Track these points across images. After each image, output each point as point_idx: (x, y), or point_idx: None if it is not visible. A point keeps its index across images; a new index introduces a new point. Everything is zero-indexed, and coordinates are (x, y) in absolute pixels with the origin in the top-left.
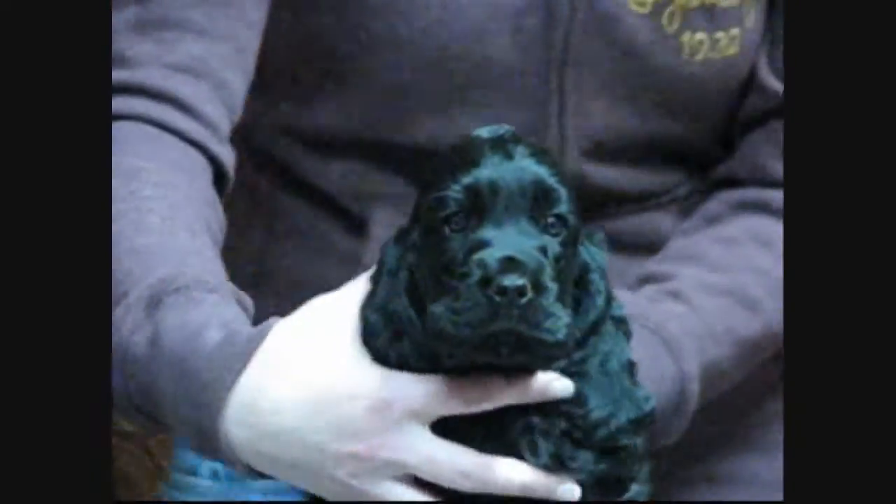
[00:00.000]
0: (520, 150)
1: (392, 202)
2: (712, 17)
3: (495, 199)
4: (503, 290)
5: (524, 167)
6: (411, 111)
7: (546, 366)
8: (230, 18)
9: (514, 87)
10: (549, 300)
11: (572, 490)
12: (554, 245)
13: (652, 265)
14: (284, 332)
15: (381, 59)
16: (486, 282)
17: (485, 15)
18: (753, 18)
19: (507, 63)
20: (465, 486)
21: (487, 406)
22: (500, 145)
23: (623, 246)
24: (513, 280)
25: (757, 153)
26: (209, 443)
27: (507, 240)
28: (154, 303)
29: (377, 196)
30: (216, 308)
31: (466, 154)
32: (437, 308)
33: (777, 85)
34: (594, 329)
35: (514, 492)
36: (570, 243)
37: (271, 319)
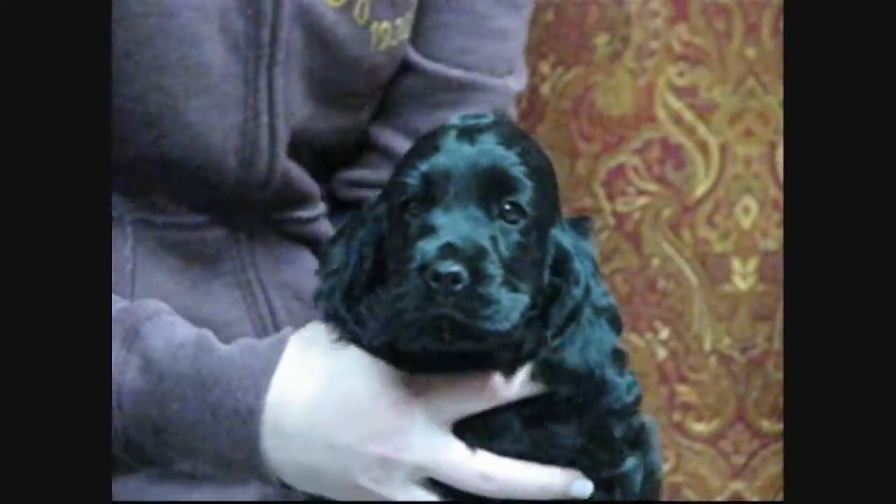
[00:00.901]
0: (486, 138)
1: (123, 224)
2: (394, 4)
3: (447, 185)
4: (438, 277)
5: (482, 154)
6: (133, 126)
7: (497, 352)
8: None
9: (227, 91)
10: (491, 288)
11: (585, 485)
12: (511, 233)
13: None
14: (303, 339)
15: (116, 72)
16: (423, 268)
17: (197, 18)
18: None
19: (220, 67)
20: (488, 489)
21: (501, 401)
22: (468, 132)
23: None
24: (447, 266)
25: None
26: (242, 456)
27: (453, 226)
28: (130, 336)
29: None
30: (193, 328)
31: (432, 140)
32: (384, 293)
33: (431, 65)
34: (572, 317)
35: (535, 494)
36: (532, 231)
37: (285, 329)
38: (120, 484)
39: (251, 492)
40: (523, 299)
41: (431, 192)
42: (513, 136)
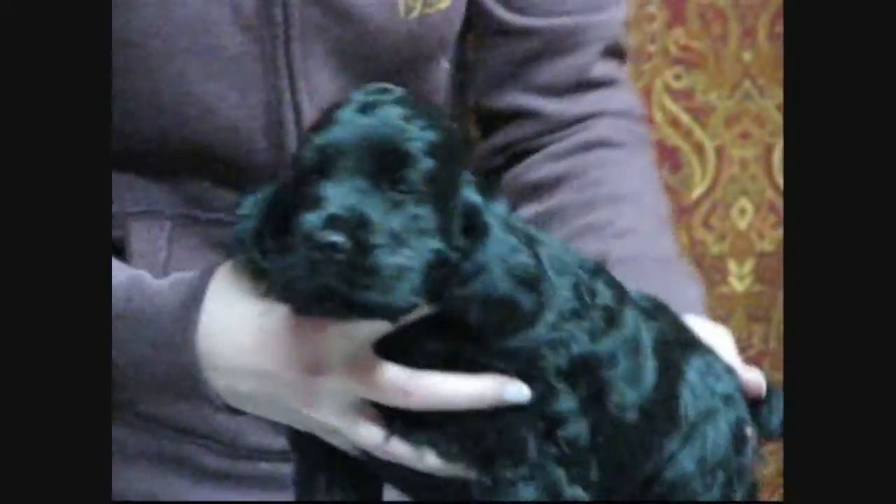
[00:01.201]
0: (386, 111)
1: (148, 217)
2: None
3: (338, 158)
4: (320, 247)
5: (377, 127)
6: (154, 116)
7: (390, 320)
8: None
9: (244, 72)
10: (374, 258)
11: (521, 389)
12: (403, 204)
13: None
14: (231, 269)
15: (117, 61)
16: (307, 238)
17: (205, 3)
18: None
19: (234, 49)
20: (412, 403)
21: (414, 317)
22: (368, 105)
23: None
24: (327, 237)
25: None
26: (188, 386)
27: (340, 198)
28: None
29: (133, 214)
30: (127, 270)
31: (331, 113)
32: (275, 262)
33: (534, 21)
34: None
35: (464, 404)
36: (429, 203)
37: (211, 263)
38: (120, 478)
39: (254, 492)
40: (413, 270)
41: (324, 165)
42: (417, 110)
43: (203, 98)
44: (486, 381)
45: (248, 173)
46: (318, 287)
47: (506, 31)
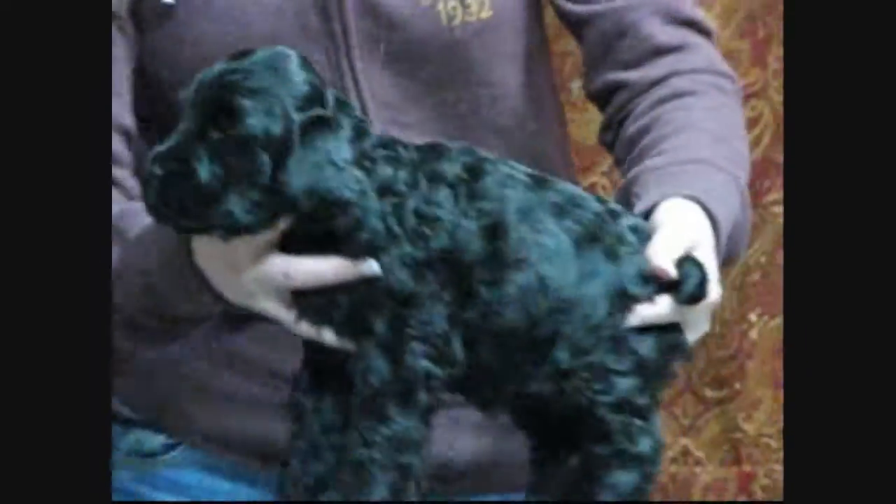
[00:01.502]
0: (231, 65)
1: None
2: None
3: (182, 110)
4: (146, 178)
5: (210, 79)
6: None
7: (226, 232)
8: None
9: None
10: (192, 182)
11: (370, 265)
12: (225, 143)
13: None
14: None
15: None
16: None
17: (275, 22)
18: None
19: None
20: (293, 282)
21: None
22: (215, 70)
23: None
24: (148, 169)
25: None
26: (188, 276)
27: (170, 141)
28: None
29: None
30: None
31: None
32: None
33: (597, 7)
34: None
35: (330, 278)
36: (249, 143)
37: None
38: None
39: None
40: (223, 192)
41: (178, 116)
42: (253, 65)
43: None
44: (346, 261)
45: None
46: (151, 207)
47: (578, 21)
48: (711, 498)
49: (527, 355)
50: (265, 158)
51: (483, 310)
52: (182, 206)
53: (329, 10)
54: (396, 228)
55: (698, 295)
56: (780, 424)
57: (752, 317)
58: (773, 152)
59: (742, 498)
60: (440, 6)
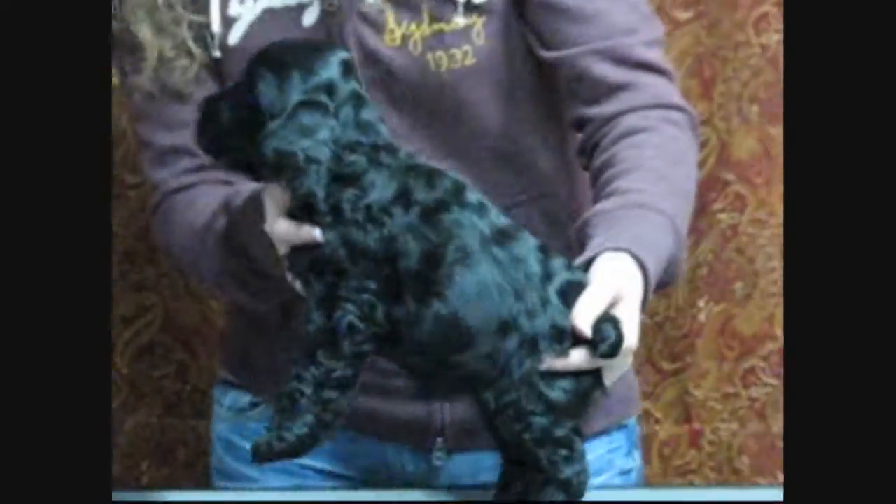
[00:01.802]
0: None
1: None
2: (443, 41)
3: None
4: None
5: (263, 49)
6: None
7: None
8: None
9: None
10: (216, 124)
11: (310, 232)
12: (239, 99)
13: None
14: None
15: None
16: None
17: None
18: (485, 36)
19: None
20: (278, 242)
21: None
22: None
23: None
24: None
25: (593, 106)
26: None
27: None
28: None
29: None
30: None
31: None
32: None
33: (560, 53)
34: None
35: (290, 241)
36: (251, 104)
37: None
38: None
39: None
40: (239, 140)
41: None
42: (298, 48)
43: None
44: (296, 226)
45: None
46: (195, 141)
47: (548, 65)
48: (668, 450)
49: (442, 365)
50: (263, 119)
51: (408, 314)
52: (209, 142)
53: None
54: (348, 214)
55: (611, 354)
56: (724, 391)
57: (701, 303)
58: (717, 171)
59: (692, 450)
60: (429, 56)
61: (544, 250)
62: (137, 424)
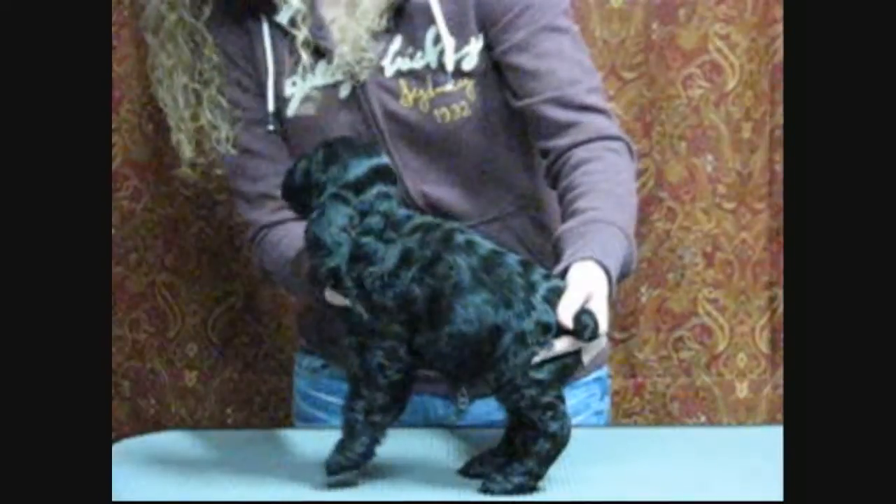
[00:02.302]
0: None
1: None
2: (445, 99)
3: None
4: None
5: (321, 148)
6: None
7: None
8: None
9: None
10: (288, 183)
11: (341, 299)
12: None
13: (573, 206)
14: None
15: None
16: None
17: (339, 130)
18: (475, 93)
19: None
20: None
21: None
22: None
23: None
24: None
25: (561, 140)
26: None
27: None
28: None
29: None
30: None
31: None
32: None
33: (525, 101)
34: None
35: (329, 301)
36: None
37: None
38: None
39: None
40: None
41: None
42: (341, 155)
43: None
44: (334, 293)
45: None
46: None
47: (518, 109)
48: (617, 398)
49: (463, 369)
50: (313, 190)
51: (427, 340)
52: (285, 197)
53: (369, 121)
54: (368, 285)
55: (591, 338)
56: (660, 354)
57: (643, 289)
58: (655, 191)
59: (636, 398)
60: (435, 112)
61: (524, 265)
62: (223, 380)
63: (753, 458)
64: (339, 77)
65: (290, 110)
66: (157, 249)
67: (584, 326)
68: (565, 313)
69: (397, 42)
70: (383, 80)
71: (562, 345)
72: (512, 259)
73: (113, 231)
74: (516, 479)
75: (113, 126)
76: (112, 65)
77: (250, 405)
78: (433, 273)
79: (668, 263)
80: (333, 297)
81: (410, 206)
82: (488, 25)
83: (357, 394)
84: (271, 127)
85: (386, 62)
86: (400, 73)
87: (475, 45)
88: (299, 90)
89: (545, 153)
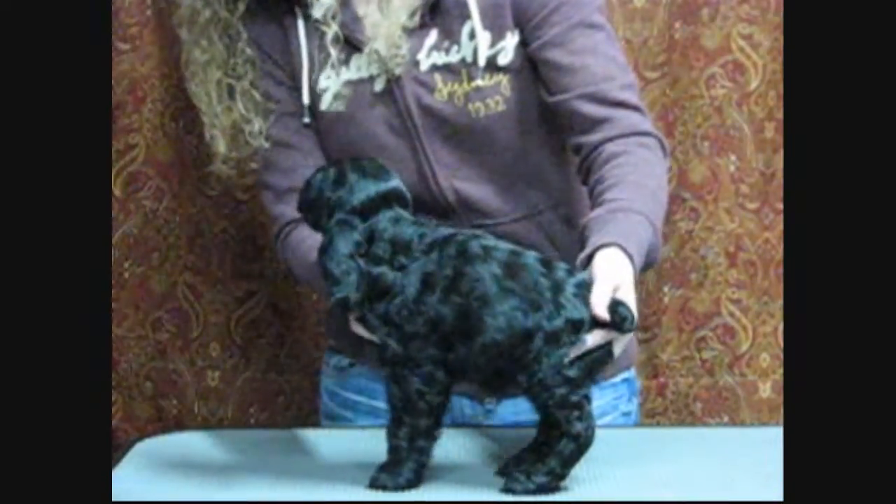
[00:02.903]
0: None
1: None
2: (480, 94)
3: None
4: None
5: (334, 170)
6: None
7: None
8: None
9: (401, 157)
10: (303, 198)
11: (373, 337)
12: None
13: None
14: None
15: (332, 154)
16: None
17: (374, 124)
18: (510, 88)
19: (393, 146)
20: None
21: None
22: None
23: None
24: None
25: (594, 136)
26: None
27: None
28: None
29: None
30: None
31: None
32: None
33: (557, 98)
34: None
35: (363, 336)
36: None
37: None
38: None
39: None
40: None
41: None
42: (349, 178)
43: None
44: (360, 326)
45: (425, 206)
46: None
47: (552, 105)
48: (640, 398)
49: (497, 377)
50: (325, 203)
51: (461, 355)
52: (300, 209)
53: (403, 115)
54: (397, 319)
55: (630, 329)
56: (682, 354)
57: (665, 289)
58: (677, 191)
59: (659, 398)
60: (469, 106)
61: (545, 264)
62: (246, 379)
63: (776, 458)
64: (373, 71)
65: (324, 104)
66: (179, 249)
67: (622, 318)
68: (600, 307)
69: (433, 36)
70: (418, 74)
71: (594, 338)
72: (532, 259)
73: (135, 231)
74: (539, 479)
75: (135, 126)
76: (136, 65)
77: (273, 405)
78: (458, 290)
79: (690, 263)
80: (361, 330)
81: (440, 203)
82: (523, 21)
83: (399, 420)
84: (307, 119)
85: (421, 56)
86: (435, 67)
87: (511, 41)
88: (333, 84)
89: (577, 149)
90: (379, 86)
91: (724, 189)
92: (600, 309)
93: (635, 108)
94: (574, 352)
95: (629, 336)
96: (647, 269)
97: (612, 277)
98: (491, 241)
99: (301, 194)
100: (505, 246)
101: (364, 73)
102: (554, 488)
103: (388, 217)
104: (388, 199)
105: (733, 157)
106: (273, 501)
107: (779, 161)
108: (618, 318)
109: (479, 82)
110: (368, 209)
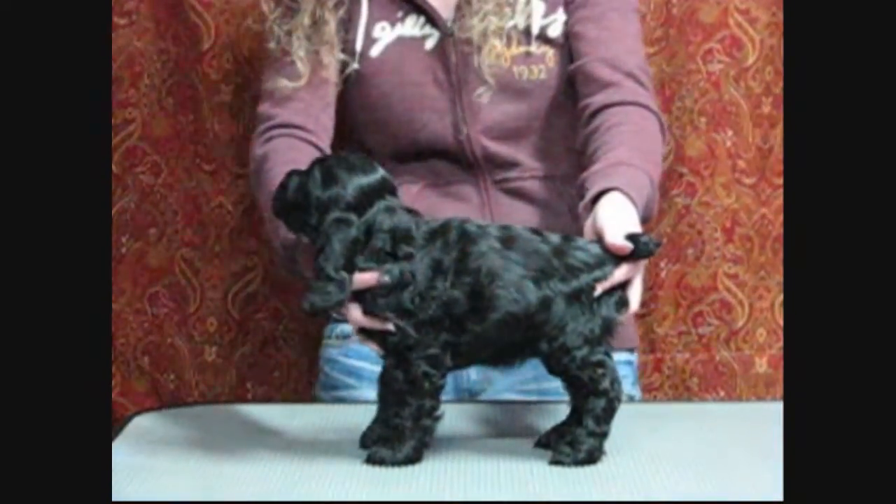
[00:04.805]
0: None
1: (405, 184)
2: (526, 59)
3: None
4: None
5: (322, 168)
6: (395, 134)
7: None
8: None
9: (441, 108)
10: (280, 199)
11: (385, 324)
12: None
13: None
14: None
15: (378, 109)
16: None
17: (418, 76)
18: (554, 60)
19: (435, 97)
20: (353, 321)
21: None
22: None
23: (522, 197)
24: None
25: (602, 97)
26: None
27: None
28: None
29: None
30: None
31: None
32: None
33: (579, 62)
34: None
35: (357, 323)
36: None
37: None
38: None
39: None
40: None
41: None
42: (343, 180)
43: (421, 120)
44: (364, 316)
45: (449, 157)
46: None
47: (572, 72)
48: (638, 373)
49: (513, 349)
50: (310, 206)
51: (474, 335)
52: (276, 209)
53: (449, 69)
54: (407, 305)
55: (656, 249)
56: (679, 329)
57: (662, 264)
58: (674, 166)
59: (656, 373)
60: (514, 69)
61: (537, 232)
62: (243, 354)
63: (772, 432)
64: (426, 31)
65: (375, 52)
66: (176, 224)
67: (645, 242)
68: (618, 240)
69: (490, 2)
70: (471, 36)
71: (620, 272)
72: (521, 229)
73: (132, 206)
74: (585, 446)
75: (132, 101)
76: (133, 39)
77: (270, 380)
78: (466, 270)
79: (687, 238)
80: (371, 322)
81: (467, 156)
82: (569, 1)
83: (403, 402)
84: (356, 65)
85: (475, 20)
86: (488, 30)
87: (561, 17)
88: (387, 35)
89: (582, 110)
90: (430, 44)
91: (720, 164)
92: (619, 241)
93: (645, 87)
94: (603, 286)
95: (640, 284)
96: (645, 223)
97: (621, 216)
98: (481, 222)
99: (278, 194)
100: (494, 224)
101: (417, 33)
102: (600, 453)
103: (382, 208)
104: (380, 190)
105: (730, 133)
106: (270, 484)
107: (775, 136)
108: (640, 244)
109: (529, 48)
110: (363, 202)
